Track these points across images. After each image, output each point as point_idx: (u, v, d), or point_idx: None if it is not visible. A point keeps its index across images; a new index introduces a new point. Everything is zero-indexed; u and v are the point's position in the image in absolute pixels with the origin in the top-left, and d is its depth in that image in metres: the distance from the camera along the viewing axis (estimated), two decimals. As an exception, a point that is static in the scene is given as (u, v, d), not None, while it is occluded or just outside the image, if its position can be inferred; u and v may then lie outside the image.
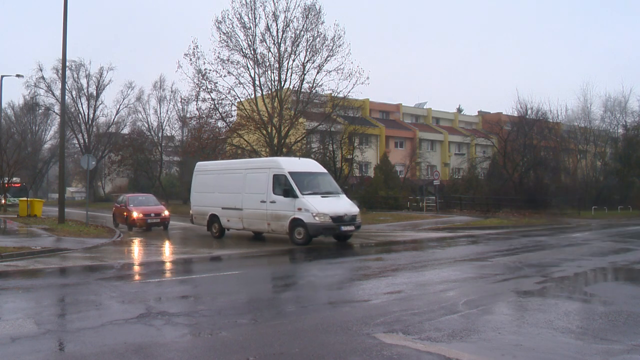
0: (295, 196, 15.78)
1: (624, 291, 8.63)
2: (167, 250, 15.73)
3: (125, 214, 22.37)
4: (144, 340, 5.80)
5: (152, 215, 21.48)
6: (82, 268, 12.08)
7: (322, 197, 16.11)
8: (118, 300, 8.07)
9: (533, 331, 6.04)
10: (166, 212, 21.90)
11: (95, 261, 12.88)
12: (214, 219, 18.65)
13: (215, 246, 16.56)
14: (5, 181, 37.13)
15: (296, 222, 15.64)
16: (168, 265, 12.62)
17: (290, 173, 16.29)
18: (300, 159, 19.62)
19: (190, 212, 20.23)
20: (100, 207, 42.35)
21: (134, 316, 6.90)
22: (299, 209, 15.58)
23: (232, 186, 18.00)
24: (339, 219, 15.62)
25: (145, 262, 13.08)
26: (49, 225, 21.87)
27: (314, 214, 15.33)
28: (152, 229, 21.86)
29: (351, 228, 16.00)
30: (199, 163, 21.22)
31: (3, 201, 36.96)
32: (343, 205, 16.28)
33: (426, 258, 13.19)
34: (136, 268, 12.27)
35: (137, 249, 16.09)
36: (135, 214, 21.31)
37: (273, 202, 16.33)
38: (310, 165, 18.12)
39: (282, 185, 16.23)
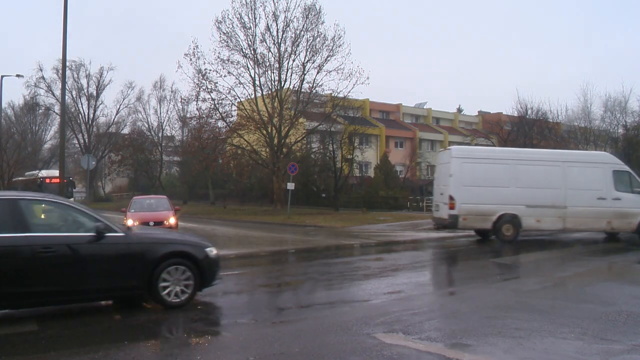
0: None
1: (624, 291, 8.63)
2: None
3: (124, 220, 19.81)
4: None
5: (151, 224, 16.93)
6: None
7: None
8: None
9: (533, 331, 6.04)
10: (172, 220, 17.26)
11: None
12: (506, 219, 15.46)
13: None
14: (38, 177, 31.87)
15: None
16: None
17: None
18: None
19: (452, 212, 15.47)
20: (101, 208, 42.36)
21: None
22: None
23: (543, 181, 15.58)
24: None
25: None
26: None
27: None
28: None
29: None
30: (460, 148, 18.22)
31: None
32: None
33: (426, 258, 13.19)
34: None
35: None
36: (129, 222, 16.87)
37: (617, 199, 15.89)
38: None
39: (626, 183, 16.06)
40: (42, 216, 7.05)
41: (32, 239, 6.36)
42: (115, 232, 6.94)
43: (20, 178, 36.90)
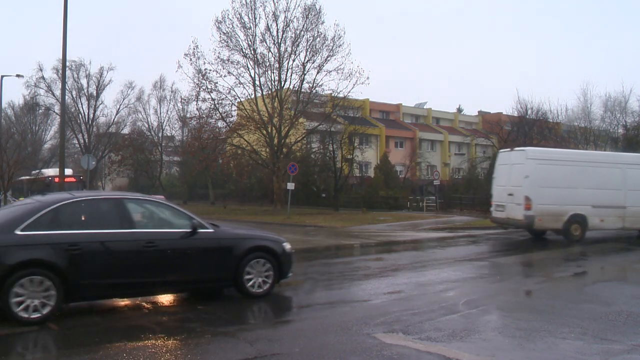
0: None
1: (624, 291, 8.63)
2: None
3: None
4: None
5: None
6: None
7: None
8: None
9: (533, 331, 6.04)
10: None
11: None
12: (576, 219, 15.86)
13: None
14: (46, 176, 30.56)
15: None
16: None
17: None
18: None
19: (529, 212, 15.56)
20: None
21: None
22: None
23: (607, 182, 16.26)
24: None
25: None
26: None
27: None
28: None
29: None
30: (534, 149, 18.34)
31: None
32: None
33: (426, 258, 13.18)
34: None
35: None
36: None
37: None
38: None
39: None
40: (144, 214, 7.61)
41: (137, 235, 7.00)
42: (207, 228, 7.57)
43: (26, 177, 36.08)
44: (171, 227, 7.47)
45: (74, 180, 33.79)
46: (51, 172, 32.69)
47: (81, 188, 33.69)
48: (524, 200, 15.62)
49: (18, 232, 6.40)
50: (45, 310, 6.25)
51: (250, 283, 7.66)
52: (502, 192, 16.99)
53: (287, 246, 8.22)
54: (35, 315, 6.19)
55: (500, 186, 17.21)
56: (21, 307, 6.13)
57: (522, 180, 15.89)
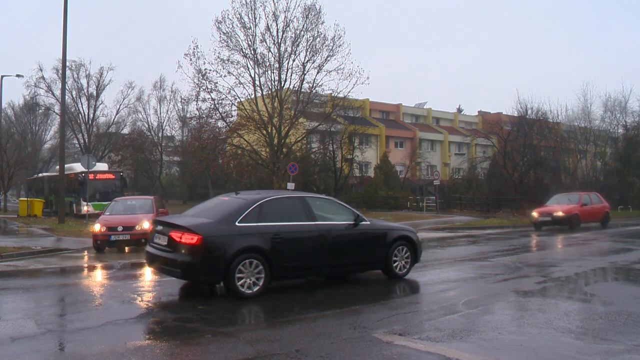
0: None
1: (624, 291, 8.63)
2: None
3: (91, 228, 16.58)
4: (145, 342, 5.80)
5: (120, 229, 14.52)
6: (81, 268, 12.08)
7: None
8: (118, 300, 8.06)
9: (533, 331, 6.04)
10: (145, 225, 14.28)
11: (96, 261, 12.88)
12: None
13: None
14: (78, 172, 27.99)
15: None
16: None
17: None
18: None
19: None
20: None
21: (134, 316, 6.91)
22: None
23: None
24: None
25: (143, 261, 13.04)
26: (49, 225, 21.88)
27: None
28: (122, 247, 15.05)
29: None
30: None
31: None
32: None
33: (426, 258, 13.13)
34: (137, 267, 12.24)
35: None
36: (97, 227, 14.71)
37: None
38: None
39: None
40: (318, 208, 8.88)
41: (319, 226, 8.52)
42: (365, 220, 9.15)
43: (46, 174, 33.59)
44: (339, 219, 8.93)
45: (112, 177, 30.81)
46: (81, 167, 29.18)
47: (123, 185, 30.66)
48: None
49: (238, 224, 7.82)
50: (257, 288, 7.73)
51: (395, 265, 9.29)
52: None
53: (418, 236, 9.86)
54: (250, 291, 7.68)
55: None
56: (241, 284, 7.61)
57: None
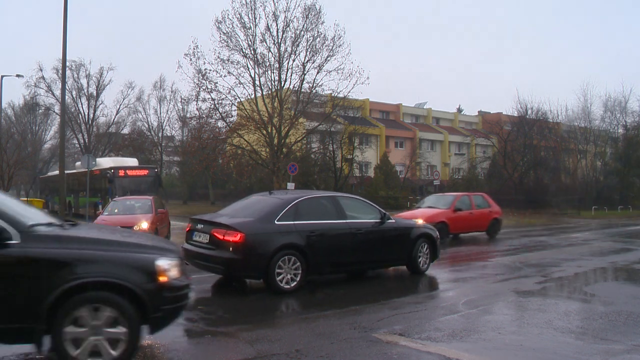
0: None
1: (624, 291, 8.63)
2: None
3: None
4: (145, 342, 5.80)
5: None
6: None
7: None
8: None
9: (533, 331, 6.04)
10: (144, 225, 13.84)
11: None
12: None
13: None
14: (106, 168, 24.61)
15: None
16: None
17: None
18: None
19: None
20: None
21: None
22: None
23: None
24: None
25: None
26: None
27: None
28: None
29: None
30: None
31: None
32: None
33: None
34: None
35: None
36: None
37: None
38: None
39: None
40: (348, 207, 9.19)
41: (350, 224, 8.86)
42: (390, 219, 9.48)
43: (68, 171, 31.63)
44: (367, 217, 9.22)
45: (145, 172, 26.00)
46: (109, 162, 26.19)
47: (158, 182, 26.63)
48: None
49: (277, 222, 8.12)
50: (294, 283, 8.06)
51: (419, 261, 9.63)
52: None
53: (437, 234, 10.31)
54: (288, 286, 7.99)
55: None
56: (279, 279, 7.93)
57: None
